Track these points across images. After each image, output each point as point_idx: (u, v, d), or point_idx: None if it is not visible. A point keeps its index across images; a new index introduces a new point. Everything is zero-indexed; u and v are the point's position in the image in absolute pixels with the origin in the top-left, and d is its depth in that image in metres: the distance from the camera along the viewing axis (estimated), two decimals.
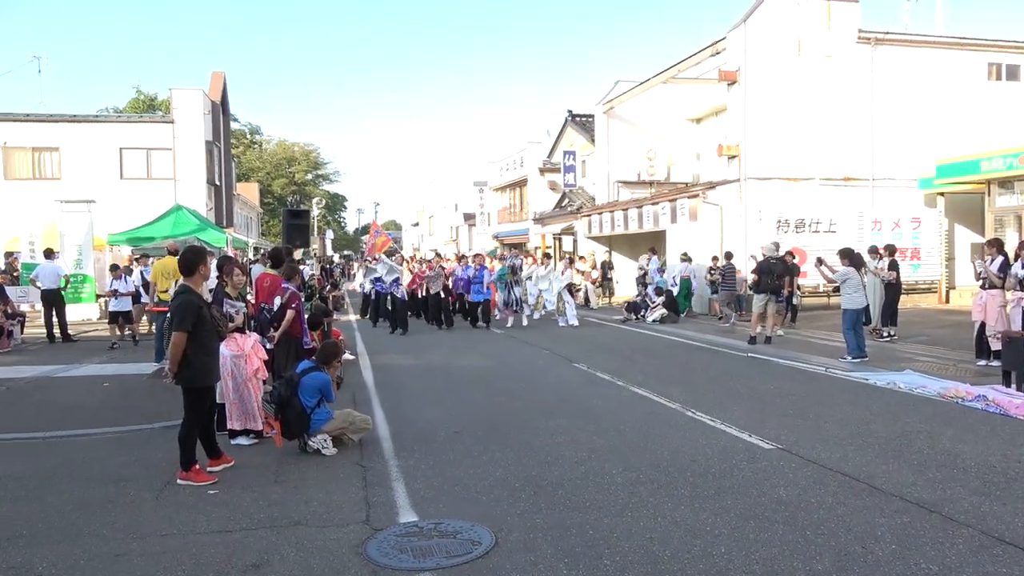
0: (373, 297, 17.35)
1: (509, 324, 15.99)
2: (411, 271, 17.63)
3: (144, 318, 14.44)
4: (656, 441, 6.48)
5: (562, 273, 16.98)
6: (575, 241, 27.68)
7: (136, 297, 13.85)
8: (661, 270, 19.34)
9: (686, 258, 18.76)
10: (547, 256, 18.74)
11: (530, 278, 17.02)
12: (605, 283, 22.68)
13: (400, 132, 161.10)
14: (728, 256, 17.17)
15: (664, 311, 16.90)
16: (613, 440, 6.54)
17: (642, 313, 17.32)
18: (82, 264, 16.64)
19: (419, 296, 17.03)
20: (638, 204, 21.91)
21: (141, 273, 14.35)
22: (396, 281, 15.50)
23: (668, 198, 20.30)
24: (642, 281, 18.63)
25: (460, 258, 19.09)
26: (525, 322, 16.23)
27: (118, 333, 13.55)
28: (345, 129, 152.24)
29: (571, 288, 16.94)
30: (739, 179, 18.51)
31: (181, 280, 5.76)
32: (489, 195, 41.22)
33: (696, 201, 18.78)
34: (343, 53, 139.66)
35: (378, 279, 16.34)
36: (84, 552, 4.43)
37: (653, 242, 21.46)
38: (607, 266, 23.12)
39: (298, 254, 14.52)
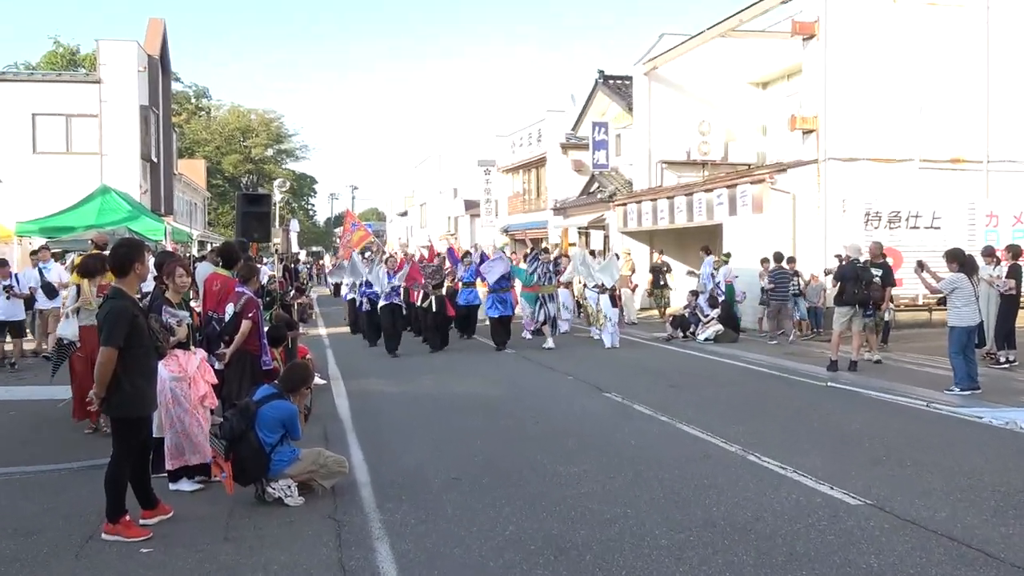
0: (363, 308, 17.51)
1: (549, 344, 15.98)
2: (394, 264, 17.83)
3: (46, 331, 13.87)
4: (710, 493, 6.50)
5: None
6: (606, 238, 27.71)
7: (29, 302, 13.30)
8: (715, 276, 19.32)
9: (725, 260, 18.76)
10: (526, 255, 18.54)
11: (579, 282, 17.18)
12: (657, 291, 22.31)
13: (385, 98, 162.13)
14: (778, 258, 17.12)
15: (719, 327, 16.93)
16: (654, 491, 6.57)
17: (692, 330, 17.38)
18: None
19: (416, 302, 17.11)
20: (687, 191, 21.84)
21: (40, 271, 14.05)
22: (396, 290, 15.57)
23: (726, 183, 20.25)
24: (693, 291, 18.57)
25: (465, 255, 19.09)
26: (550, 343, 16.05)
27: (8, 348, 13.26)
28: (315, 93, 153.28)
29: (614, 295, 16.93)
30: (817, 160, 18.45)
31: (111, 282, 5.83)
32: (497, 178, 41.30)
33: (761, 187, 18.69)
34: None
35: (368, 287, 16.43)
36: None
37: (706, 240, 21.43)
38: (660, 269, 22.53)
39: (256, 250, 14.61)
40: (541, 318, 16.25)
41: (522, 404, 10.37)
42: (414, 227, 65.84)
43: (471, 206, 47.44)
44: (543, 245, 23.75)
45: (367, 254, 18.05)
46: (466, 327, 18.03)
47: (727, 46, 22.85)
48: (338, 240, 22.70)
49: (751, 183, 19.07)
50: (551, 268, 16.81)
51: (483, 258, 17.29)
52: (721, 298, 17.71)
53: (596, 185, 30.04)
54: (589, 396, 10.87)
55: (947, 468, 7.12)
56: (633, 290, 21.39)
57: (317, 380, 11.19)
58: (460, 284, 17.20)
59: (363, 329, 18.25)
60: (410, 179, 68.17)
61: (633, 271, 22.24)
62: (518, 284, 17.32)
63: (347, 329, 19.98)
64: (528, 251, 21.14)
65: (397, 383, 12.34)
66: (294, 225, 29.23)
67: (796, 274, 17.03)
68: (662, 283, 22.21)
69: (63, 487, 6.83)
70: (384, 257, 17.94)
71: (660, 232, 24.89)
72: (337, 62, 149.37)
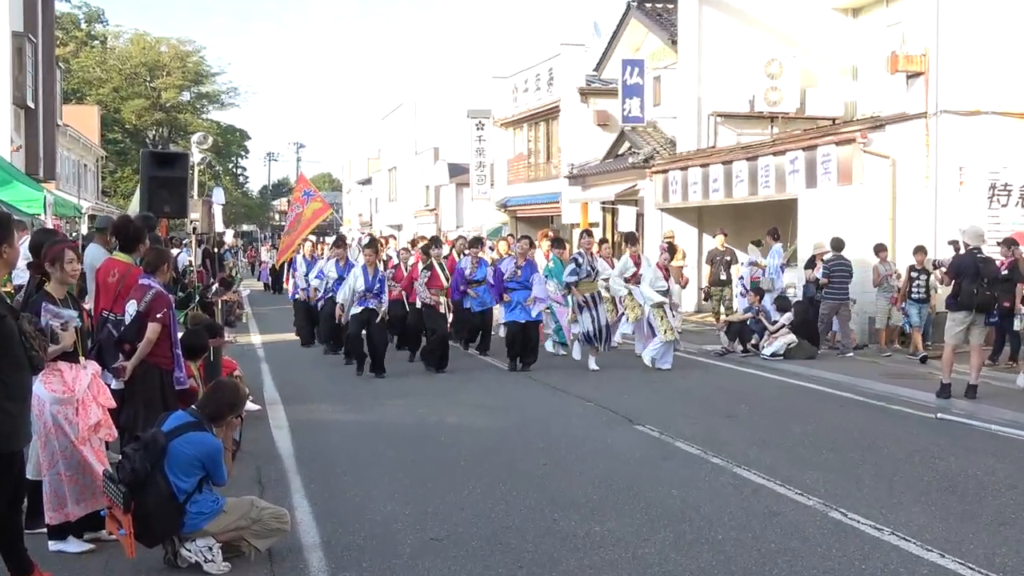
0: (318, 305, 17.43)
1: (593, 365, 15.57)
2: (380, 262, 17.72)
3: None
4: (779, 562, 6.50)
5: (665, 270, 16.56)
6: (639, 216, 27.64)
7: None
8: (783, 268, 19.31)
9: (757, 246, 18.56)
10: (556, 242, 17.69)
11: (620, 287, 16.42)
12: (716, 289, 21.72)
13: (342, 28, 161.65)
14: (838, 246, 17.18)
15: (792, 338, 16.98)
16: (703, 559, 6.57)
17: (755, 341, 17.44)
18: None
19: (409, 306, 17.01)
20: (750, 153, 21.82)
21: None
22: (376, 291, 15.08)
23: (802, 144, 20.24)
24: (757, 289, 18.52)
25: (455, 244, 18.87)
26: (594, 364, 15.64)
27: None
28: (248, 20, 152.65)
29: (668, 301, 16.32)
30: (926, 113, 18.47)
31: None
32: (494, 135, 41.25)
33: (850, 150, 18.67)
34: None
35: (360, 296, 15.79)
36: None
37: (773, 220, 21.37)
38: (721, 259, 21.78)
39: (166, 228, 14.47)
40: (589, 327, 15.42)
41: (527, 439, 10.37)
42: (380, 199, 65.82)
43: (458, 172, 47.32)
44: (569, 225, 23.44)
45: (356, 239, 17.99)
46: (479, 340, 18.05)
47: None
48: (287, 215, 22.52)
49: (836, 144, 19.05)
50: (591, 260, 15.89)
51: (528, 264, 16.52)
52: (795, 298, 17.70)
53: (627, 145, 29.99)
54: (617, 429, 10.89)
55: None
56: (684, 285, 20.68)
57: (249, 406, 11.13)
58: (466, 286, 17.03)
59: (300, 325, 18.47)
60: (375, 135, 68.11)
61: (679, 259, 21.60)
62: (540, 287, 16.27)
63: (292, 336, 20.03)
64: (548, 237, 20.22)
65: (358, 410, 12.32)
66: (218, 195, 29.12)
67: (923, 271, 16.80)
68: (723, 278, 21.57)
69: None
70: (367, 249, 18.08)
71: (711, 209, 24.87)
72: None
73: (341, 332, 16.33)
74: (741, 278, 20.17)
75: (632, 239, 18.39)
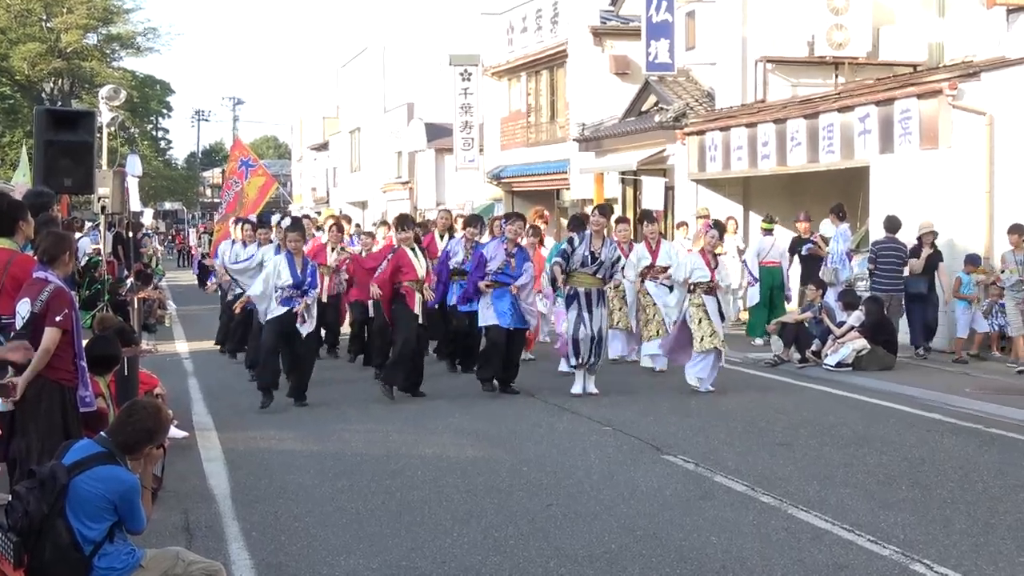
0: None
1: (585, 389, 14.79)
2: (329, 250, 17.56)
3: None
4: None
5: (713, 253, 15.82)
6: (668, 189, 27.76)
7: None
8: (850, 254, 19.42)
9: (768, 225, 18.78)
10: (574, 223, 17.35)
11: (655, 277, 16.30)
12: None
13: None
14: (893, 226, 17.29)
15: (862, 343, 16.95)
16: None
17: (814, 348, 17.43)
18: None
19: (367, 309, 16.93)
20: (809, 109, 21.88)
21: None
22: (312, 286, 14.35)
23: (875, 96, 20.33)
24: (819, 282, 18.45)
25: (444, 223, 18.53)
26: (590, 387, 14.92)
27: None
28: None
29: (713, 291, 15.34)
30: None
31: None
32: (484, 87, 41.15)
33: (936, 104, 18.78)
34: None
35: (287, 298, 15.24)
36: None
37: (837, 195, 21.42)
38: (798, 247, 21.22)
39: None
40: (574, 331, 14.68)
41: (527, 474, 10.38)
42: (340, 170, 65.71)
43: (438, 135, 47.21)
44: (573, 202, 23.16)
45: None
46: (463, 352, 17.23)
47: None
48: (224, 196, 22.45)
49: (918, 97, 19.15)
50: (611, 248, 15.05)
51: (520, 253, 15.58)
52: (864, 291, 17.65)
53: (652, 100, 30.01)
54: (641, 460, 10.89)
55: None
56: (750, 283, 20.71)
57: (174, 432, 11.08)
58: (434, 277, 16.03)
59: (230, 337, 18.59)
60: (333, 89, 68.04)
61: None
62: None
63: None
64: (542, 218, 20.06)
65: (312, 438, 12.30)
66: (134, 165, 29.09)
67: None
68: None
69: None
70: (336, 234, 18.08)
71: (759, 181, 24.94)
72: None
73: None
74: (744, 261, 20.58)
75: (648, 217, 17.91)
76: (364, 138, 58.54)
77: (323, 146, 70.36)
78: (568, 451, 11.44)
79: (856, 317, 17.28)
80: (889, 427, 12.63)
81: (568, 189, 34.37)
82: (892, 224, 17.86)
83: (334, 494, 9.70)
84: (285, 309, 14.14)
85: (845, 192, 21.45)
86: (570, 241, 15.11)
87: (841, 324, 17.28)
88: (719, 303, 15.43)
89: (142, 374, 11.41)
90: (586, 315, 14.76)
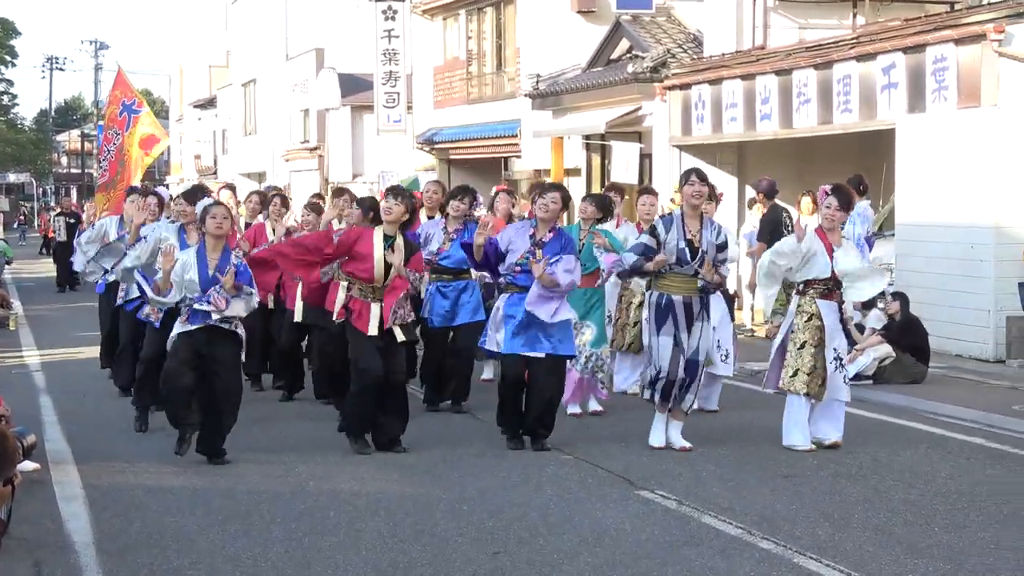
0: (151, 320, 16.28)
1: (680, 442, 13.20)
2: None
3: None
4: None
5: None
6: (645, 157, 27.81)
7: None
8: (871, 239, 19.47)
9: (777, 205, 19.30)
10: (597, 201, 15.58)
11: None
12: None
13: None
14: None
15: (887, 350, 16.90)
16: None
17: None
18: None
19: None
20: (820, 57, 21.95)
21: None
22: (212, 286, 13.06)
23: (902, 40, 20.37)
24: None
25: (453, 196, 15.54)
26: (679, 438, 13.25)
27: None
28: None
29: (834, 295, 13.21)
30: None
31: None
32: (412, 28, 40.91)
33: (978, 51, 18.77)
34: None
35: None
36: None
37: (854, 164, 21.49)
38: (783, 225, 21.40)
39: None
40: (664, 365, 12.91)
41: (469, 514, 10.21)
42: (231, 132, 65.46)
43: (355, 88, 47.15)
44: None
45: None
46: (443, 378, 15.56)
47: None
48: (69, 159, 22.23)
49: (956, 42, 19.14)
50: (715, 230, 13.15)
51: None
52: (892, 286, 17.73)
53: (625, 46, 30.09)
54: (610, 497, 10.75)
55: None
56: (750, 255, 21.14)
57: (24, 464, 10.81)
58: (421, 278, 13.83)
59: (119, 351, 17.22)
60: (221, 31, 67.72)
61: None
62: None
63: (92, 352, 19.39)
64: (507, 192, 18.58)
65: (196, 470, 11.97)
66: None
67: None
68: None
69: None
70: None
71: (759, 147, 25.03)
72: None
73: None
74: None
75: (618, 190, 17.41)
76: (261, 93, 58.21)
77: (209, 102, 69.89)
78: (519, 486, 11.16)
79: (876, 317, 17.16)
80: (919, 454, 12.45)
81: (519, 157, 34.26)
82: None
83: (225, 541, 9.40)
84: (195, 326, 12.41)
85: (863, 161, 21.57)
86: (652, 230, 12.90)
87: (861, 328, 17.20)
88: (843, 317, 13.17)
89: None
90: (683, 336, 12.77)
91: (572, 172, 29.62)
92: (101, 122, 27.23)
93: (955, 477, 11.48)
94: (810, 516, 10.03)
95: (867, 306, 17.15)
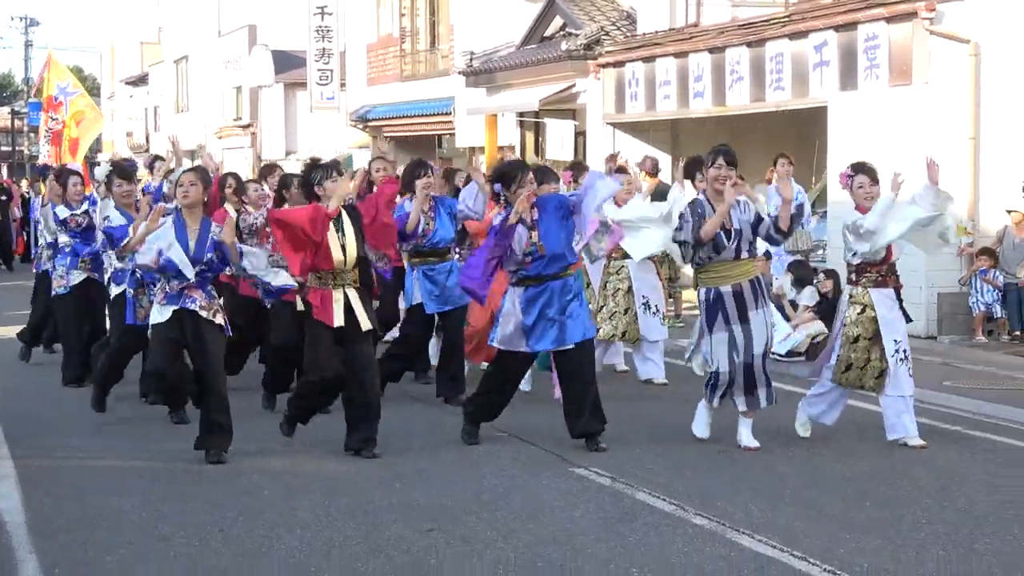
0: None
1: (749, 441, 12.46)
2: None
3: None
4: None
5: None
6: (579, 135, 27.80)
7: None
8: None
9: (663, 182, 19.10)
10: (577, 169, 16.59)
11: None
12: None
13: None
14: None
15: (819, 328, 16.85)
16: None
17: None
18: None
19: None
20: (753, 35, 21.91)
21: None
22: (215, 269, 12.22)
23: (832, 18, 20.33)
24: (766, 252, 18.57)
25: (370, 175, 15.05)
26: (749, 439, 12.47)
27: None
28: None
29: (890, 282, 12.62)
30: None
31: None
32: (344, 3, 40.74)
33: (909, 29, 18.76)
34: None
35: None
36: None
37: (790, 144, 21.54)
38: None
39: None
40: (725, 362, 12.05)
41: (402, 492, 10.29)
42: (163, 109, 64.92)
43: (288, 65, 46.94)
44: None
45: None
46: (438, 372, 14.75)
47: None
48: (40, 144, 21.99)
49: (887, 20, 19.14)
50: (745, 208, 12.30)
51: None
52: (822, 263, 17.81)
53: (558, 23, 29.93)
54: (542, 474, 10.84)
55: None
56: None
57: None
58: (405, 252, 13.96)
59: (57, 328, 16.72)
60: (153, 7, 67.12)
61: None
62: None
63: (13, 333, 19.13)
64: (449, 171, 17.57)
65: (132, 450, 11.91)
66: None
67: None
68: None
69: None
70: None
71: (691, 124, 25.06)
72: None
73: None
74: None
75: (580, 168, 16.97)
76: (193, 69, 57.83)
77: (141, 79, 69.30)
78: (454, 464, 11.15)
79: (809, 294, 17.18)
80: (851, 431, 12.45)
81: (452, 135, 34.15)
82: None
83: (158, 520, 9.35)
84: (172, 309, 11.50)
85: (796, 138, 21.63)
86: (694, 210, 12.05)
87: (794, 303, 17.30)
88: (901, 303, 12.42)
89: None
90: (737, 329, 11.90)
91: (506, 148, 29.43)
92: (32, 99, 26.99)
93: (885, 453, 11.63)
94: (744, 492, 10.09)
95: (800, 282, 17.13)
